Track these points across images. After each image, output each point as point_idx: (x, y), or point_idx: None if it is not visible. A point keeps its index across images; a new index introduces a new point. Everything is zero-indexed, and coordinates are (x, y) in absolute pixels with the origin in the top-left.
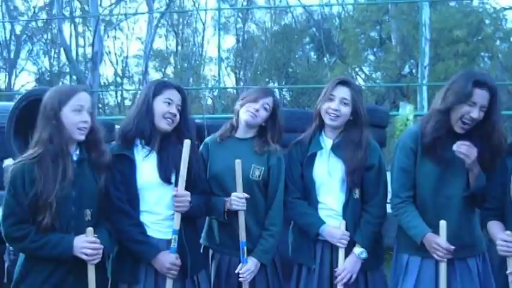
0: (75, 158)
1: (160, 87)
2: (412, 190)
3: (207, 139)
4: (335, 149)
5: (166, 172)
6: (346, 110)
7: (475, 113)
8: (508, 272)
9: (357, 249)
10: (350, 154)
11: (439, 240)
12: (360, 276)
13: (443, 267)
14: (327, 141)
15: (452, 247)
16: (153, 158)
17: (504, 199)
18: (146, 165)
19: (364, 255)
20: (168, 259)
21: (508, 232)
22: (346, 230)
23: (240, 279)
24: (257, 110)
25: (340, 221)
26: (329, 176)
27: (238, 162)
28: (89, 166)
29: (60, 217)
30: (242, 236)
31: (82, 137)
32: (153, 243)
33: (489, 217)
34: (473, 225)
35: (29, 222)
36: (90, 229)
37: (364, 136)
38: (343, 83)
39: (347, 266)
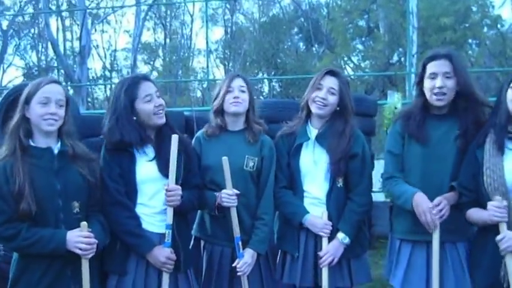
0: (56, 151)
1: (132, 89)
2: (402, 173)
3: (199, 133)
4: (319, 138)
5: (166, 167)
6: (333, 100)
7: (439, 82)
8: (498, 238)
9: (340, 235)
10: (334, 143)
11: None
12: (343, 263)
13: (436, 240)
14: (313, 131)
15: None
16: (152, 152)
17: (478, 190)
18: (145, 160)
19: (347, 240)
20: (163, 253)
21: (498, 197)
22: (329, 218)
23: (238, 273)
24: (237, 97)
25: (322, 209)
26: (314, 165)
27: (225, 160)
28: (73, 159)
29: (48, 210)
30: (236, 231)
31: (51, 128)
32: (148, 237)
33: (467, 209)
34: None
35: (19, 220)
36: (84, 223)
37: (348, 126)
38: (331, 73)
39: (330, 249)
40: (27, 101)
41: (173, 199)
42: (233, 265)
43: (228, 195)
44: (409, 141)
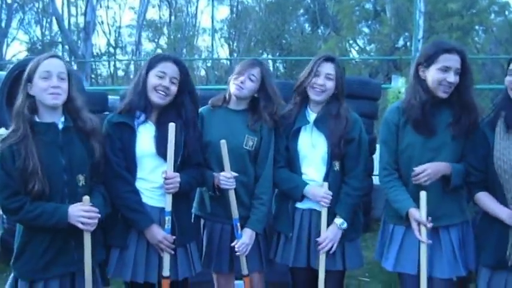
0: (60, 126)
1: (155, 61)
2: (396, 163)
3: (201, 109)
4: (317, 122)
5: (164, 147)
6: (330, 85)
7: (451, 78)
8: None
9: (338, 220)
10: (332, 126)
11: (418, 217)
12: (336, 247)
13: (423, 249)
14: (312, 115)
15: (430, 224)
16: (152, 130)
17: (487, 171)
18: (145, 136)
19: (345, 225)
20: (160, 232)
21: None
22: None
23: (236, 253)
24: (242, 82)
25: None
26: (312, 149)
27: (223, 143)
28: (77, 133)
29: (53, 185)
30: (234, 213)
31: (56, 101)
32: (147, 213)
33: (476, 189)
34: (456, 194)
35: (23, 193)
36: (86, 197)
37: (342, 108)
38: (328, 59)
39: (329, 235)
40: (30, 79)
41: (171, 187)
42: (232, 245)
43: (226, 178)
44: (407, 131)
